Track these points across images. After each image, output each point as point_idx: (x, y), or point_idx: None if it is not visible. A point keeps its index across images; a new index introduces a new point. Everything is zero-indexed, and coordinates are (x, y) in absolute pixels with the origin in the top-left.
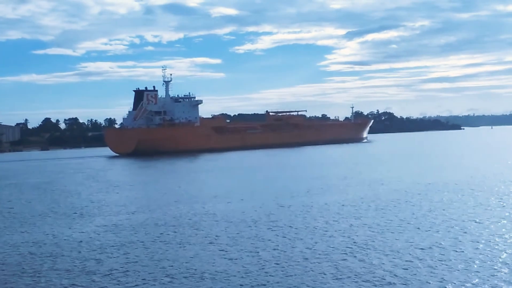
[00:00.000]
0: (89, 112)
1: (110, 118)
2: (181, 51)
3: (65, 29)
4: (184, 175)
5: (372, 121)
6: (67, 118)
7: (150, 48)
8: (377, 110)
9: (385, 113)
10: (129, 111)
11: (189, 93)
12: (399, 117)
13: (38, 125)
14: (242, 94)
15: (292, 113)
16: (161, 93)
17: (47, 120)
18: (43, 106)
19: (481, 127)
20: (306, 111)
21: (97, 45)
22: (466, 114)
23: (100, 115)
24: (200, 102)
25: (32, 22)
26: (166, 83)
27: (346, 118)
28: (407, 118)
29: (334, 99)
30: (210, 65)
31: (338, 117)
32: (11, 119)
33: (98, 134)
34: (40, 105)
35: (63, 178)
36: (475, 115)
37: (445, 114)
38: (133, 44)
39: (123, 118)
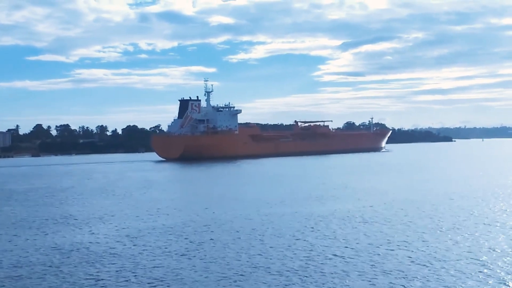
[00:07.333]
0: (81, 119)
1: (102, 125)
2: (176, 60)
3: (59, 35)
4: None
5: (391, 131)
6: (58, 125)
7: (144, 56)
8: (369, 121)
9: (377, 124)
10: (174, 119)
11: (229, 102)
12: (391, 128)
13: (29, 131)
14: (234, 104)
15: (318, 123)
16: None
17: (38, 126)
18: (35, 112)
19: (472, 139)
20: (331, 121)
21: (91, 52)
22: (458, 126)
23: (92, 122)
24: (240, 111)
25: (26, 28)
26: (208, 93)
27: (338, 129)
28: (399, 130)
29: (327, 109)
30: (205, 74)
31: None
32: (2, 125)
33: (90, 141)
34: (32, 111)
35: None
36: (467, 127)
37: (437, 126)
38: (126, 52)
39: (168, 125)
